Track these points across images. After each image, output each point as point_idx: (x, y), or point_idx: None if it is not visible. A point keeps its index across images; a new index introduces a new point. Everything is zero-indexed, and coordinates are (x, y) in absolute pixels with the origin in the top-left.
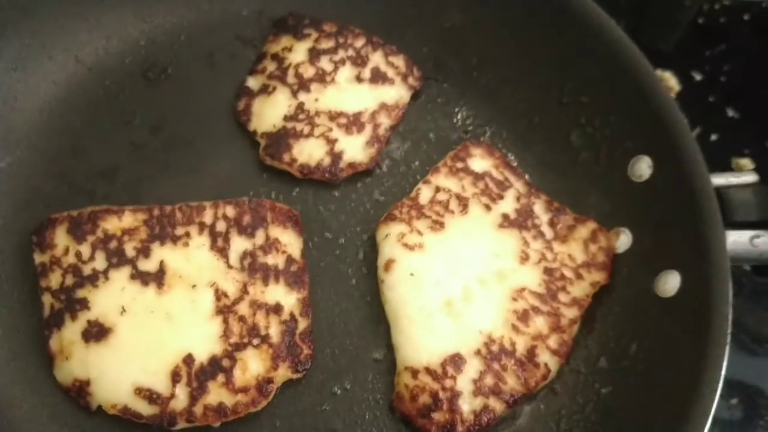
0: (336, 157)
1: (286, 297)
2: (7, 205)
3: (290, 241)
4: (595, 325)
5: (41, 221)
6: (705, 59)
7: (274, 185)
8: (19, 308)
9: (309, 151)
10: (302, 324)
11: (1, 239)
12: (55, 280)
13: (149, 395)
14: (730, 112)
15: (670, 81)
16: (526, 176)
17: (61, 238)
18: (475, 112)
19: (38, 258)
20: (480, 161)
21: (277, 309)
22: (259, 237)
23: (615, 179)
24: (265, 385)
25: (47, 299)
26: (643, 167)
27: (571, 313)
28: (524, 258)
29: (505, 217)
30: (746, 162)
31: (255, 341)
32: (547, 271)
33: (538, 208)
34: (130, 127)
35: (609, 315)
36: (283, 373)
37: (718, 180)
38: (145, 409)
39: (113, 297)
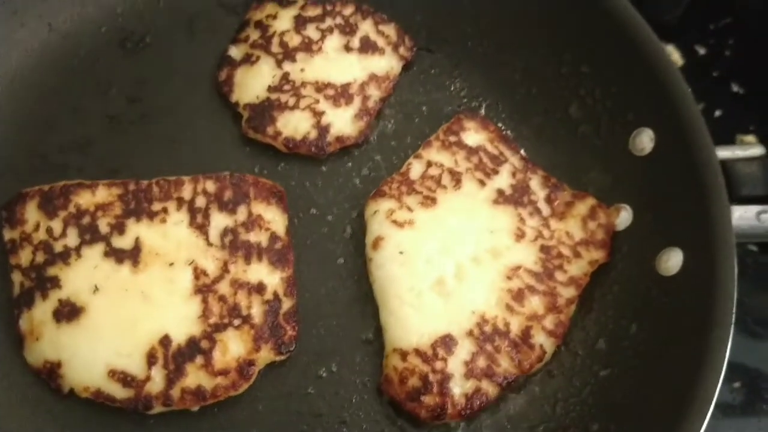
0: (323, 130)
1: (269, 276)
2: None
3: (274, 218)
4: (593, 305)
5: (11, 196)
6: (709, 33)
7: (257, 160)
8: None
9: (294, 124)
10: (286, 304)
11: None
12: (25, 257)
13: (123, 378)
14: (735, 88)
15: (674, 55)
16: (522, 151)
17: (31, 213)
18: (470, 83)
19: (7, 234)
20: (474, 135)
21: (259, 288)
22: (241, 213)
23: (615, 153)
24: (246, 368)
25: (17, 277)
26: (645, 140)
27: (568, 292)
28: (520, 235)
29: (500, 192)
30: (751, 138)
31: (236, 322)
32: (544, 249)
33: (535, 183)
34: (106, 98)
35: (608, 294)
36: (265, 355)
37: (724, 153)
38: (119, 392)
39: (86, 275)
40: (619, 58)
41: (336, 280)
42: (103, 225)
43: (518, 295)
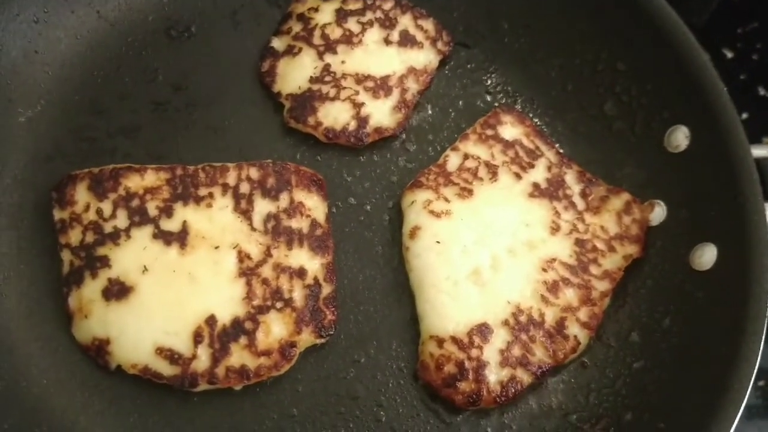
0: (362, 121)
1: (310, 261)
2: (26, 160)
3: (315, 206)
4: (626, 299)
5: (61, 177)
6: (737, 37)
7: (297, 149)
8: (37, 265)
9: (334, 115)
10: (326, 289)
11: (20, 195)
12: (74, 236)
13: (170, 355)
14: (762, 91)
15: None
16: (557, 146)
17: (81, 194)
18: (506, 78)
19: (58, 214)
20: (510, 129)
21: (300, 273)
22: (283, 200)
23: (650, 149)
24: (288, 349)
25: (67, 256)
26: (680, 137)
27: (602, 285)
28: (555, 229)
29: (536, 186)
30: None
31: (278, 305)
32: (579, 243)
33: (570, 178)
34: (152, 85)
35: (642, 288)
36: (306, 337)
37: (758, 152)
38: (165, 369)
39: (135, 256)
40: (655, 56)
41: (373, 268)
42: (152, 208)
43: (553, 287)
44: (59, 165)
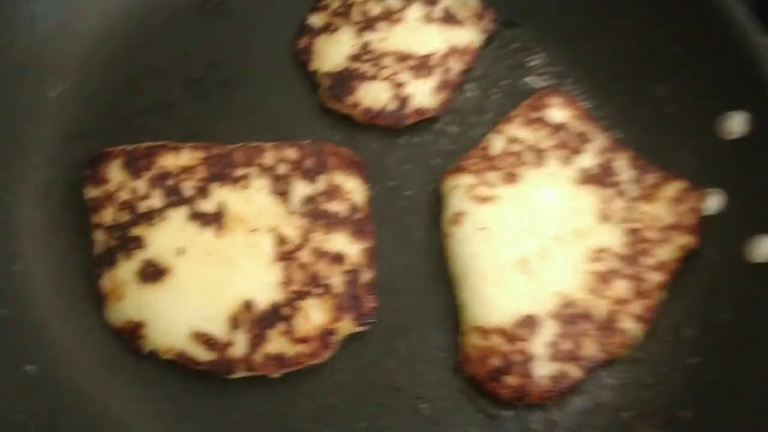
0: (402, 101)
1: (349, 246)
2: (57, 136)
3: (354, 188)
4: (681, 292)
5: (93, 155)
6: None
7: (334, 130)
8: (67, 245)
9: (374, 95)
10: (366, 275)
11: (50, 173)
12: (108, 216)
13: (207, 340)
14: None
15: None
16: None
17: (115, 173)
18: (553, 59)
19: (90, 193)
20: (558, 112)
21: (339, 258)
22: (322, 182)
23: (704, 135)
24: (328, 337)
25: (99, 236)
26: (735, 123)
27: (655, 277)
28: (605, 217)
29: (585, 172)
30: None
31: (317, 290)
32: (631, 232)
33: (621, 164)
34: (186, 61)
35: (697, 281)
36: (346, 325)
37: None
38: (202, 354)
39: (170, 237)
40: (710, 38)
41: (413, 255)
42: (187, 188)
43: (604, 278)
44: (90, 142)
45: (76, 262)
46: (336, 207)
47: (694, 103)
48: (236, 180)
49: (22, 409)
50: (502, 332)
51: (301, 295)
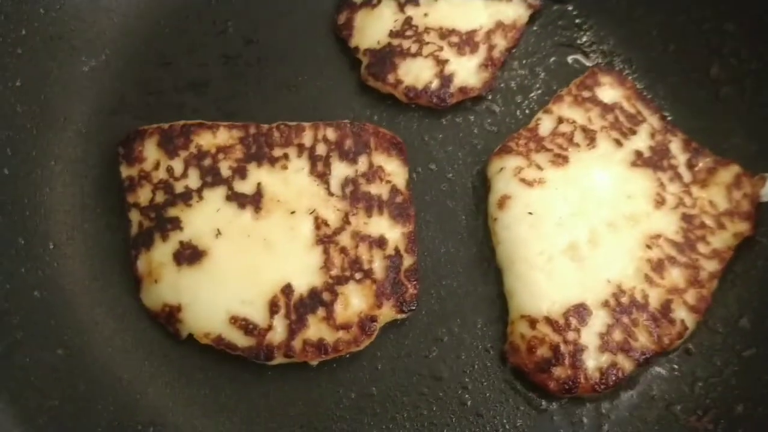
0: (446, 80)
1: (390, 230)
2: (90, 112)
3: (395, 170)
4: (735, 281)
5: (128, 132)
6: None
7: (375, 109)
8: (103, 225)
9: (416, 73)
10: (407, 261)
11: (84, 149)
12: (143, 196)
13: (245, 325)
14: None
15: None
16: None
17: (150, 151)
18: (602, 37)
19: (125, 171)
20: (609, 91)
21: (380, 242)
22: (362, 164)
23: (762, 118)
24: (368, 324)
25: (135, 216)
26: None
27: (711, 265)
28: (660, 202)
29: (638, 154)
30: None
31: (357, 275)
32: (686, 218)
33: (675, 146)
34: (222, 37)
35: (752, 270)
36: (387, 312)
37: None
38: (240, 339)
39: (208, 218)
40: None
41: (456, 240)
42: (225, 168)
43: (658, 266)
44: (124, 119)
45: (110, 243)
46: (376, 189)
47: (751, 85)
48: (274, 160)
49: (56, 393)
50: (550, 322)
51: (340, 280)
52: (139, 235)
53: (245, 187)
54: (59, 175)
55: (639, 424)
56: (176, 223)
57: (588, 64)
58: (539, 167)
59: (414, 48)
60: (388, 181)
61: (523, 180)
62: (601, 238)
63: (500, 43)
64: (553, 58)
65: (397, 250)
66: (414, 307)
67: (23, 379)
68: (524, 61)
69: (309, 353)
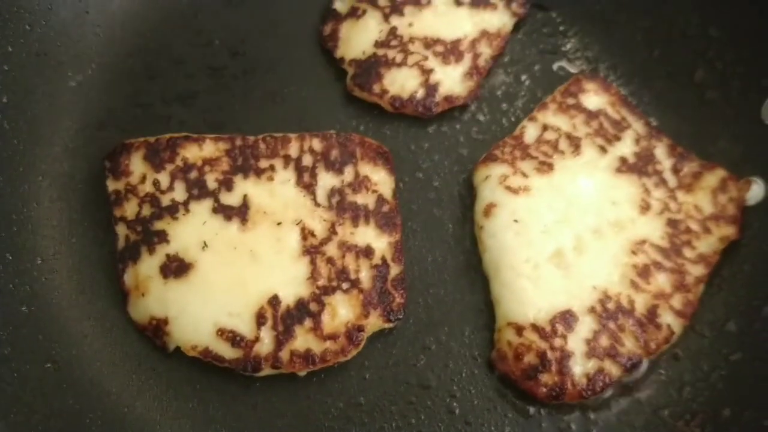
0: (431, 89)
1: (376, 240)
2: (77, 127)
3: (381, 180)
4: (722, 285)
5: (114, 146)
6: None
7: (361, 119)
8: (90, 238)
9: (401, 82)
10: (394, 270)
11: (71, 164)
12: (130, 209)
13: (232, 337)
14: None
15: None
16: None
17: (137, 164)
18: (586, 43)
19: (112, 185)
20: (594, 97)
21: (367, 252)
22: (348, 174)
23: (746, 122)
24: (356, 333)
25: (122, 230)
26: None
27: (697, 270)
28: (645, 207)
29: (623, 160)
30: None
31: (344, 285)
32: (671, 223)
33: (660, 152)
34: (208, 49)
35: (738, 274)
36: (374, 321)
37: None
38: (227, 351)
39: (194, 231)
40: (753, 19)
41: (443, 248)
42: (211, 180)
43: (644, 272)
44: (112, 133)
45: (98, 257)
46: (363, 199)
47: (736, 88)
48: (260, 172)
49: (44, 407)
50: (537, 328)
51: (327, 291)
52: (126, 248)
53: (231, 199)
54: (46, 190)
55: (627, 429)
56: (163, 236)
57: (573, 70)
58: (524, 175)
59: (399, 58)
60: (375, 191)
61: (508, 188)
62: (587, 245)
63: (485, 51)
64: (537, 66)
65: (383, 259)
66: (401, 317)
67: (11, 394)
68: (509, 69)
69: (296, 364)
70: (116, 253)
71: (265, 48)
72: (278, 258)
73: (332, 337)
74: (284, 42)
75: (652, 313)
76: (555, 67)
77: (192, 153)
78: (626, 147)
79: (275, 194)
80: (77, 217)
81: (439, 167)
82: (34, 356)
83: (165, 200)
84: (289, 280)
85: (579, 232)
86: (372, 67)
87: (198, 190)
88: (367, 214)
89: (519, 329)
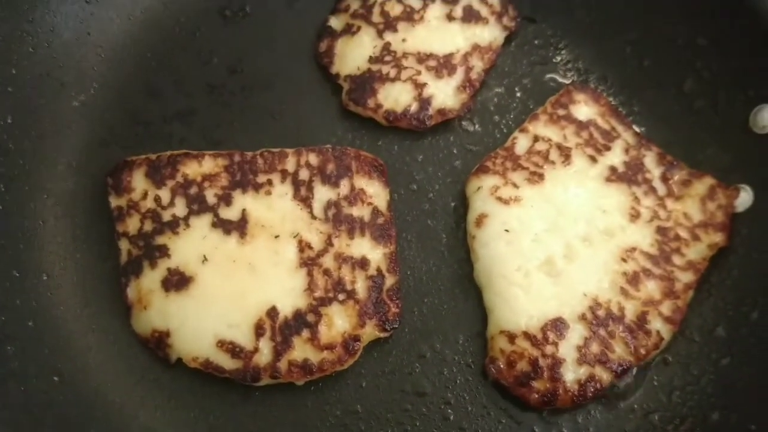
0: (424, 102)
1: (372, 251)
2: (80, 145)
3: (376, 193)
4: (711, 291)
5: (117, 163)
6: None
7: (357, 133)
8: (94, 254)
9: (395, 96)
10: (389, 280)
11: (75, 182)
12: (132, 225)
13: (232, 348)
14: None
15: None
16: (635, 126)
17: (138, 181)
18: (577, 55)
19: (114, 202)
20: (584, 108)
21: (363, 263)
22: (344, 187)
23: (734, 130)
24: (352, 343)
25: (124, 245)
26: (767, 118)
27: (686, 277)
28: (634, 215)
29: (613, 170)
30: None
31: (341, 296)
32: (660, 231)
33: (649, 161)
34: (207, 67)
35: (727, 280)
36: (370, 331)
37: None
38: (227, 362)
39: (194, 245)
40: (740, 30)
41: (437, 258)
42: (210, 196)
43: (633, 279)
44: (114, 150)
45: (101, 272)
46: (358, 211)
47: (724, 98)
48: (259, 186)
49: (50, 419)
50: (529, 336)
51: (324, 302)
52: (128, 263)
53: (230, 213)
54: (51, 208)
55: None
56: (164, 251)
57: (564, 82)
58: (515, 185)
59: (393, 73)
60: (370, 203)
61: (499, 198)
62: (577, 253)
63: (477, 64)
64: (529, 78)
65: (379, 270)
66: (396, 326)
67: (18, 407)
68: (501, 82)
69: (294, 374)
70: (119, 268)
71: (263, 65)
72: (276, 270)
73: (329, 347)
74: (281, 59)
75: (641, 320)
76: (546, 78)
77: (192, 169)
78: (616, 156)
79: (273, 208)
80: (81, 233)
81: (433, 179)
82: (40, 369)
83: (166, 216)
84: (287, 292)
85: (569, 241)
86: (366, 82)
87: (198, 205)
88: (362, 226)
89: (511, 337)
